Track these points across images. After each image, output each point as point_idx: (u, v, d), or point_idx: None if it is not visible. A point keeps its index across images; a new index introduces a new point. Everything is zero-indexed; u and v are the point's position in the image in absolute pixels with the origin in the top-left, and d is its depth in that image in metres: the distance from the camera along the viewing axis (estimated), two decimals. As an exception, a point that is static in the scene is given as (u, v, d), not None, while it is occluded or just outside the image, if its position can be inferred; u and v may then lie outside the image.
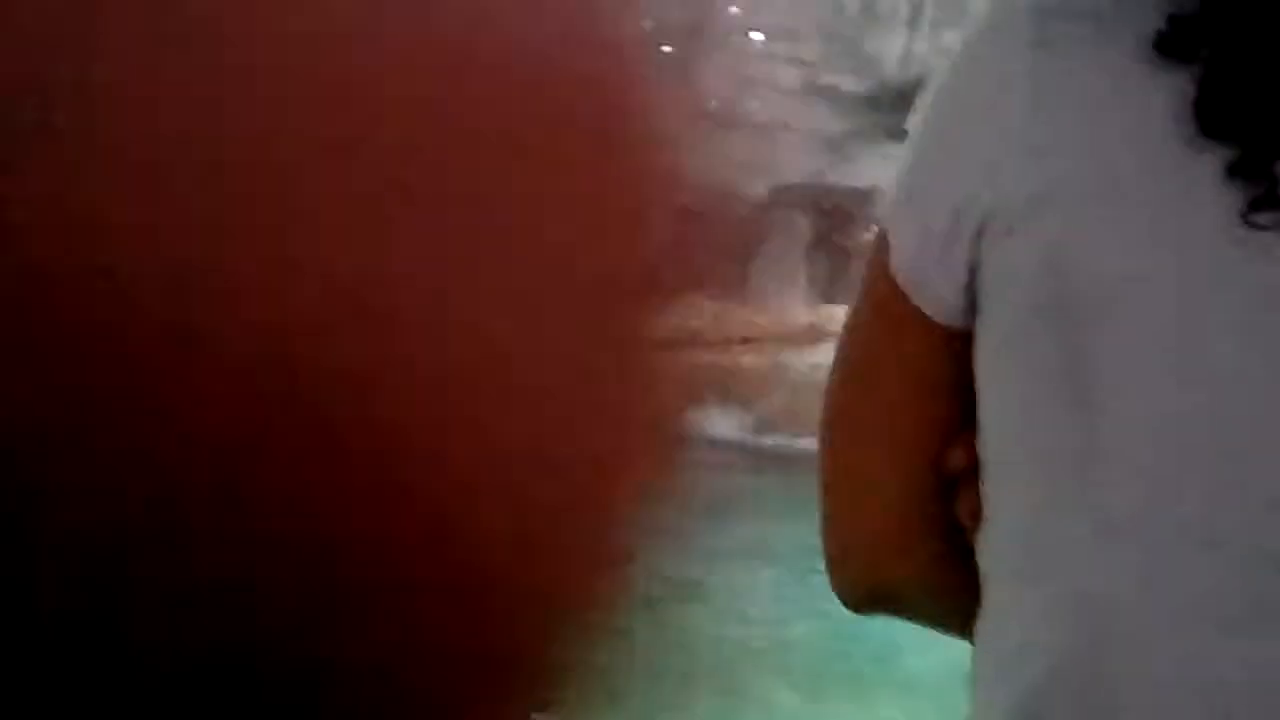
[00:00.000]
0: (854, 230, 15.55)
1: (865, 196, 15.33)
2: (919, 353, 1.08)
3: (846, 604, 1.16)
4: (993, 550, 1.04)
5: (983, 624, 1.05)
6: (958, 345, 1.06)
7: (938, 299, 1.05)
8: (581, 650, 0.39)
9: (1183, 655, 0.93)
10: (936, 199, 1.04)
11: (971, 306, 1.04)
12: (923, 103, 1.09)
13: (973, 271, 1.03)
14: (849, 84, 17.41)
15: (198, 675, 0.35)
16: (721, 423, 11.24)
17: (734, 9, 16.68)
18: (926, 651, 6.58)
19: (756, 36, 16.88)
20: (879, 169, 16.83)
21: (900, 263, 1.06)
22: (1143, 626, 0.95)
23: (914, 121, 1.10)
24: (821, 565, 1.15)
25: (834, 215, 15.63)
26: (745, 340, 13.48)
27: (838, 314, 13.85)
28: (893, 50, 17.56)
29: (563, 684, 0.39)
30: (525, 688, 0.41)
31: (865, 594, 1.16)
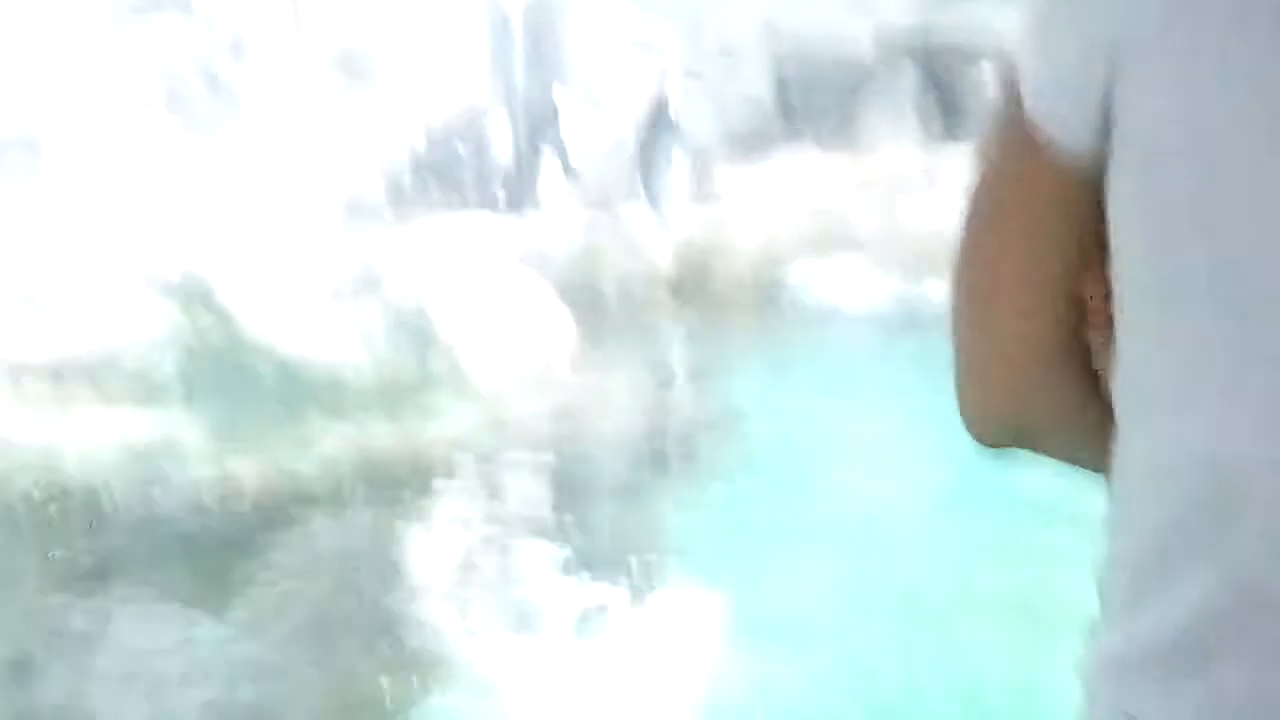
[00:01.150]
0: (964, 70, 15.29)
1: (973, 37, 15.07)
2: (1051, 183, 1.05)
3: (980, 439, 1.14)
4: (1125, 384, 1.03)
5: (1117, 459, 1.04)
6: (1090, 175, 1.03)
7: (1070, 127, 1.02)
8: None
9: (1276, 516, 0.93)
10: (1067, 29, 1.02)
11: (1103, 136, 1.01)
12: None
13: (1105, 101, 1.01)
14: (953, -80, 16.98)
15: None
16: (839, 275, 11.15)
17: None
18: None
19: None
20: (986, 9, 16.55)
21: (1032, 96, 1.04)
22: (1244, 478, 0.94)
23: None
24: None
25: (942, 56, 15.33)
26: (859, 188, 13.34)
27: (951, 157, 13.67)
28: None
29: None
30: None
31: (1001, 427, 1.14)
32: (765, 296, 11.10)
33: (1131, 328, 1.02)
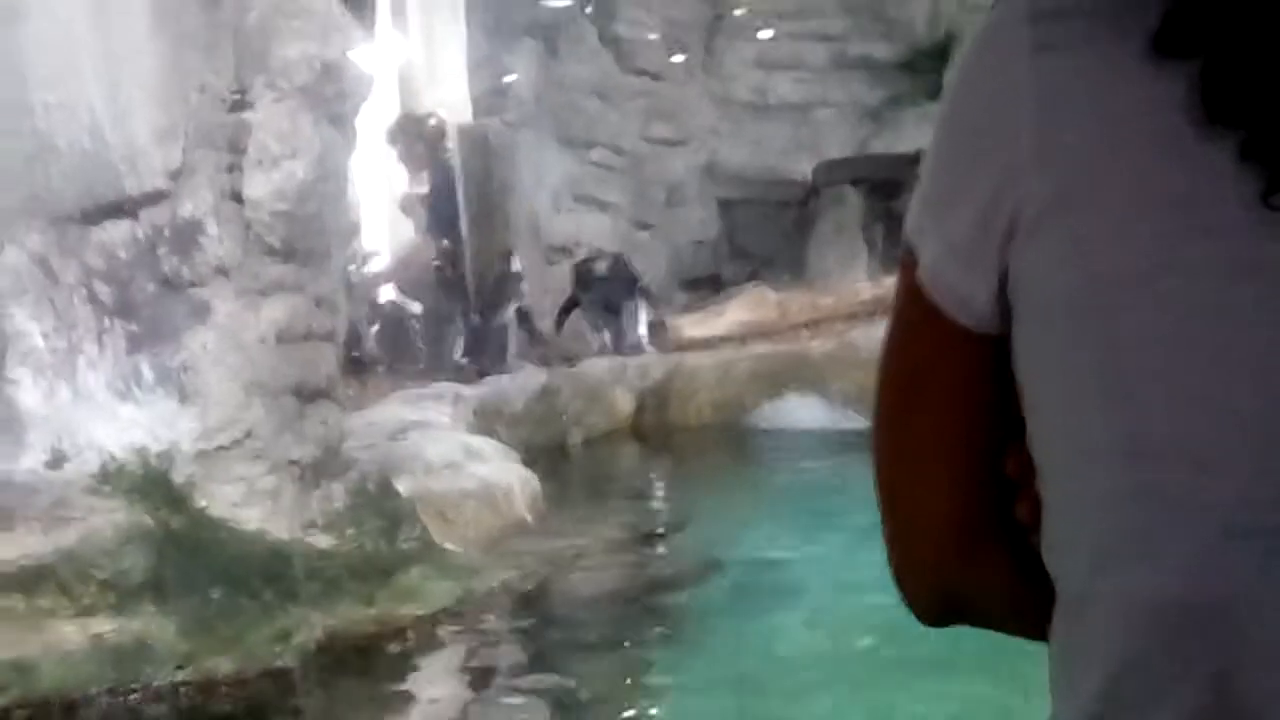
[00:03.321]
0: (906, 197, 15.48)
1: (913, 161, 15.31)
2: (959, 363, 1.06)
3: (920, 618, 1.14)
4: (1056, 550, 1.04)
5: (1055, 624, 1.04)
6: (997, 352, 1.04)
7: (970, 308, 1.04)
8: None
9: (1262, 641, 0.93)
10: (959, 210, 1.03)
11: (1005, 313, 1.03)
12: (935, 114, 1.08)
13: (1003, 279, 1.02)
14: (880, 52, 17.33)
15: None
16: (799, 410, 11.19)
17: (753, -6, 16.61)
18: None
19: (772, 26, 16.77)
20: (922, 131, 16.79)
21: (930, 275, 1.05)
22: (1213, 615, 0.94)
23: (930, 138, 1.08)
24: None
25: (884, 185, 15.55)
26: (812, 323, 13.45)
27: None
28: (919, 11, 17.45)
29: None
30: None
31: (936, 606, 1.14)
32: (726, 435, 11.15)
33: (1053, 494, 1.02)
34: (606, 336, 12.99)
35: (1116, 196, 0.95)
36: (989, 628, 1.15)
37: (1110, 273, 0.95)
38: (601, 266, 13.26)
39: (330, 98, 7.59)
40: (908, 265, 1.07)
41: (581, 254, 13.74)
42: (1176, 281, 0.94)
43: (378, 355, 12.09)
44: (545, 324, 13.06)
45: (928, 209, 1.06)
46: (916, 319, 1.07)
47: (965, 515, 1.08)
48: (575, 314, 13.23)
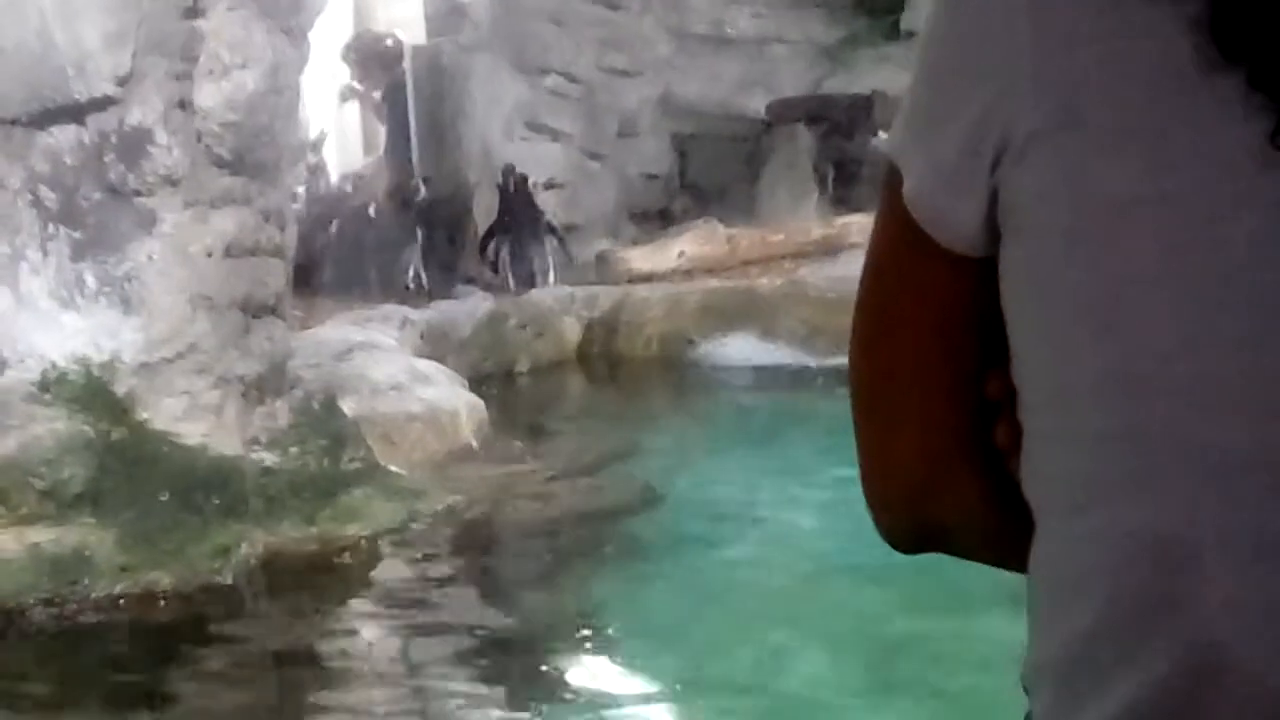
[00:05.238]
0: (859, 138, 15.45)
1: (867, 101, 15.25)
2: (942, 285, 1.03)
3: (895, 546, 1.12)
4: (1035, 481, 1.01)
5: (1034, 556, 1.01)
6: (982, 274, 1.01)
7: (957, 230, 1.00)
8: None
9: (1239, 583, 0.90)
10: (947, 130, 0.99)
11: (993, 236, 1.00)
12: (921, 33, 1.04)
13: (992, 200, 0.98)
14: (838, -10, 17.22)
15: None
16: (746, 346, 11.18)
17: (714, -73, 16.46)
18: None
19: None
20: (877, 73, 16.77)
21: (915, 196, 1.01)
22: (1193, 555, 0.91)
23: (916, 55, 1.04)
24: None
25: (837, 124, 15.49)
26: (761, 260, 13.42)
27: (852, 223, 13.78)
28: (878, -50, 17.34)
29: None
30: None
31: (911, 535, 1.11)
32: (673, 369, 11.14)
33: (1037, 424, 1.00)
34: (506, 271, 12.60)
35: (1115, 120, 0.92)
36: (964, 556, 1.12)
37: (1105, 198, 0.93)
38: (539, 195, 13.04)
39: (285, 8, 7.47)
40: (892, 186, 1.03)
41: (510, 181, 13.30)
42: (1175, 210, 0.91)
43: (326, 272, 11.98)
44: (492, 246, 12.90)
45: (913, 128, 1.03)
46: (899, 239, 1.04)
47: (942, 439, 1.06)
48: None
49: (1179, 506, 0.92)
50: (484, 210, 13.15)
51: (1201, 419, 0.91)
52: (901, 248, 1.04)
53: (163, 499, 6.47)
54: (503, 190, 12.91)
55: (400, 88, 13.29)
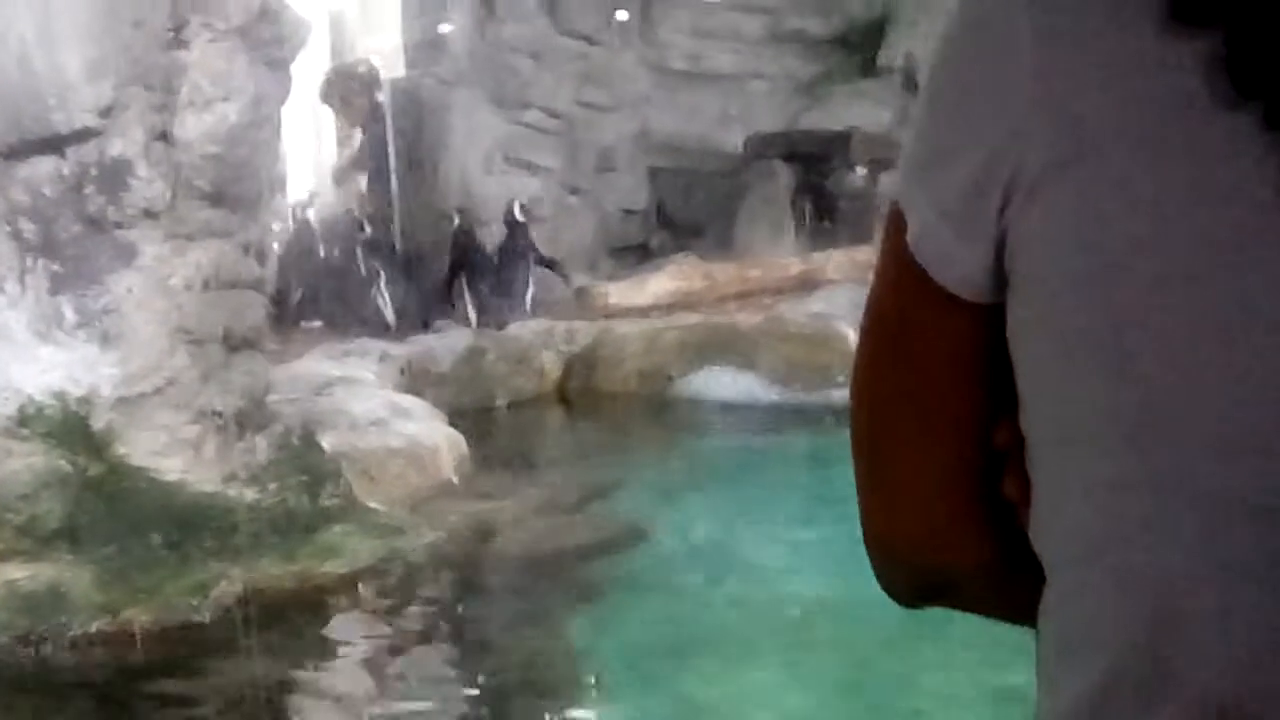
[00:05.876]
0: (836, 173, 15.49)
1: (843, 138, 15.31)
2: (948, 331, 1.00)
3: (897, 599, 1.09)
4: (1045, 532, 0.98)
5: (1044, 609, 0.98)
6: (989, 320, 0.98)
7: (963, 275, 0.97)
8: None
9: (1251, 624, 0.88)
10: (953, 172, 0.96)
11: (1000, 281, 0.96)
12: (924, 72, 1.01)
13: (999, 244, 0.95)
14: (815, 27, 17.30)
15: None
16: (726, 382, 11.14)
17: (693, -37, 16.52)
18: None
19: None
20: (854, 109, 16.85)
21: (919, 239, 0.98)
22: (1206, 604, 0.89)
23: (919, 93, 1.02)
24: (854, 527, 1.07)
25: (814, 160, 15.54)
26: (740, 295, 13.41)
27: (829, 260, 13.76)
28: (855, -12, 17.42)
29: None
30: None
31: (915, 588, 1.08)
32: (652, 404, 11.10)
33: (1046, 473, 0.97)
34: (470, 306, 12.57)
35: (1125, 158, 0.89)
36: (970, 610, 1.09)
37: (1116, 237, 0.89)
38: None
39: (267, 40, 7.42)
40: (895, 228, 1.00)
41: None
42: (1187, 250, 0.88)
43: (305, 306, 11.90)
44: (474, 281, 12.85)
45: (916, 170, 0.99)
46: (902, 283, 1.00)
47: (950, 490, 1.02)
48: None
49: (1192, 554, 0.89)
50: (491, 240, 13.11)
51: (1215, 465, 0.88)
52: (905, 292, 1.01)
53: (140, 535, 6.38)
54: (510, 224, 12.92)
55: (379, 120, 13.25)
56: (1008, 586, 1.03)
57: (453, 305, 12.57)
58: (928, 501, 1.03)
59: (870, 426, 1.05)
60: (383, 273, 12.46)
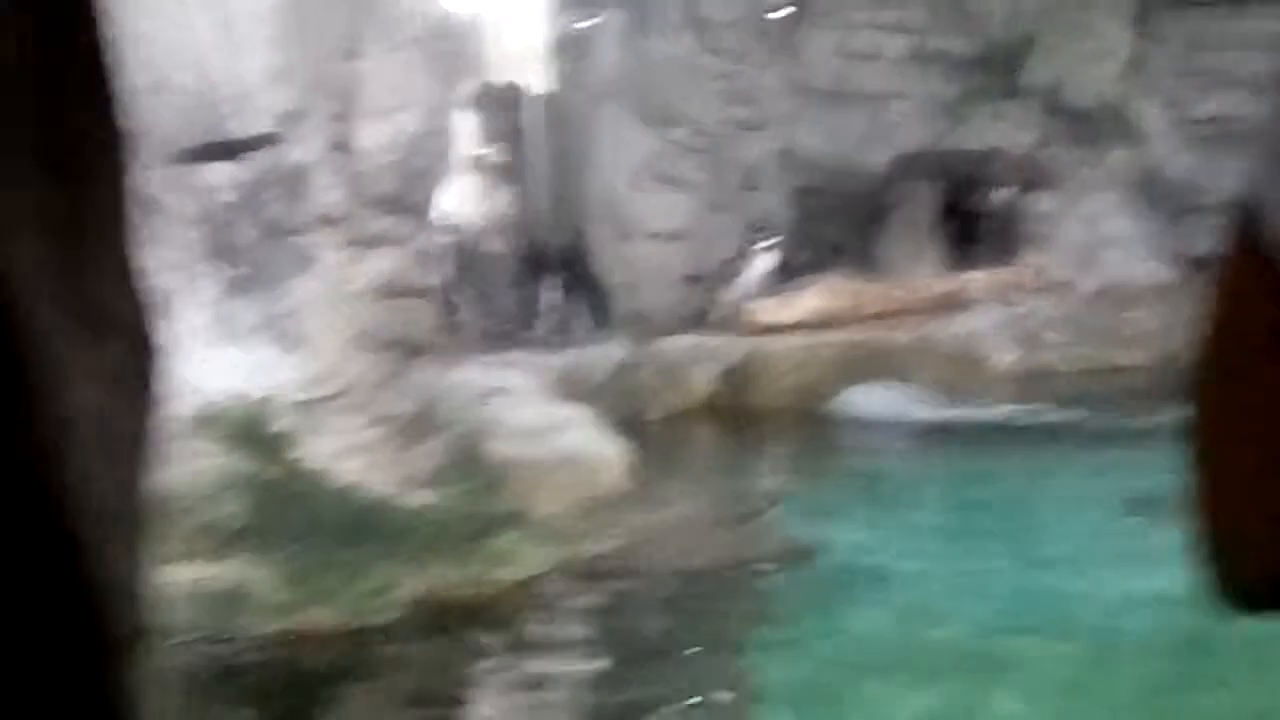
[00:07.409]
0: (979, 194, 15.33)
1: (986, 158, 15.13)
2: None
3: (1238, 603, 0.97)
4: None
5: None
6: None
7: None
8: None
9: None
10: None
11: None
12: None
13: None
14: (958, 46, 17.13)
15: None
16: (880, 399, 11.03)
17: (837, -19, 16.44)
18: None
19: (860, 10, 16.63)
20: (995, 130, 16.66)
21: None
22: None
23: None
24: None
25: (957, 181, 15.40)
26: (885, 314, 13.29)
27: (972, 281, 13.59)
28: (998, 8, 17.25)
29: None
30: None
31: (1263, 587, 0.97)
32: (805, 420, 11.00)
33: None
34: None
35: None
36: None
37: None
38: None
39: (441, 52, 7.48)
40: (1244, 231, 0.91)
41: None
42: None
43: (466, 317, 11.98)
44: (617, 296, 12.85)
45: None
46: (1251, 289, 0.92)
47: None
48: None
49: None
50: (610, 260, 13.12)
51: None
52: (1255, 297, 0.92)
53: (318, 538, 6.42)
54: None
55: (527, 133, 13.31)
56: None
57: (596, 321, 12.60)
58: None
59: (1212, 447, 0.97)
60: (537, 285, 12.52)
